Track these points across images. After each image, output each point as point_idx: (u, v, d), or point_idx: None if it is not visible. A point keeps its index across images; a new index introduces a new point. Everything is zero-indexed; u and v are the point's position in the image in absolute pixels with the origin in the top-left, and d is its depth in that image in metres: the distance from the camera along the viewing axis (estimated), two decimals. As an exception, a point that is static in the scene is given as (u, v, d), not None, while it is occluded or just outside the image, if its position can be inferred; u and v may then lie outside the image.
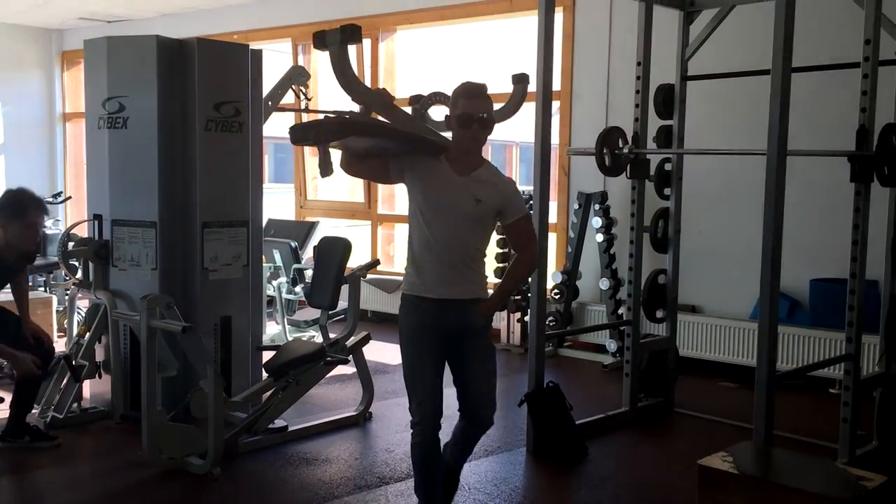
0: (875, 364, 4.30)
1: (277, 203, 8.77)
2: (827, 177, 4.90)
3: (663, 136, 4.68)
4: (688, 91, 4.65)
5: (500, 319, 6.53)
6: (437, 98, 3.18)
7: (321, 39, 2.86)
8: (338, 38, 2.81)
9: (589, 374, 5.73)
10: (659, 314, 4.78)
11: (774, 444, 3.36)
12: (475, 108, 2.84)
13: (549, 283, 5.95)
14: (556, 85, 5.78)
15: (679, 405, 4.81)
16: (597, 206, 6.00)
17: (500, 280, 5.07)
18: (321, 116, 6.28)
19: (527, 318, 6.14)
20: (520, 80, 3.55)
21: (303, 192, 8.32)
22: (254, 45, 4.65)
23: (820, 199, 5.15)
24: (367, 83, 7.65)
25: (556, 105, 5.85)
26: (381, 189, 7.74)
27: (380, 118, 2.98)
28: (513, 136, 16.76)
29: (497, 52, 7.20)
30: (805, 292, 5.37)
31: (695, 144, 4.86)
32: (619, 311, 5.86)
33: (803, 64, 3.84)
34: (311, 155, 8.11)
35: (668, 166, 4.69)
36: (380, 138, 2.87)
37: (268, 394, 4.10)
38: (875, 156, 3.58)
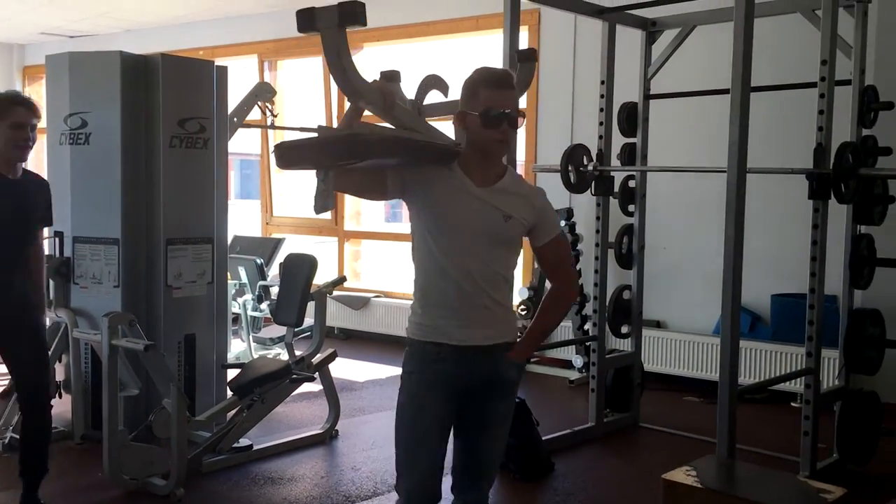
0: (835, 378, 4.37)
1: (243, 219, 8.71)
2: (787, 194, 5.01)
3: (627, 154, 4.75)
4: (651, 109, 4.72)
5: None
6: (433, 83, 2.59)
7: (309, 20, 2.11)
8: (335, 19, 2.08)
9: (555, 389, 5.76)
10: (624, 329, 4.82)
11: (737, 457, 3.40)
12: (503, 102, 2.24)
13: (516, 299, 5.97)
14: (522, 102, 5.82)
15: (645, 420, 4.85)
16: (562, 223, 6.05)
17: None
18: (292, 136, 6.22)
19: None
20: (526, 56, 3.08)
21: (269, 209, 8.28)
22: (220, 61, 4.64)
23: (780, 215, 5.25)
24: (334, 103, 7.66)
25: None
26: (349, 205, 7.73)
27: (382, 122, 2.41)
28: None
29: (463, 69, 7.22)
30: (766, 307, 5.45)
31: (658, 162, 4.93)
32: (585, 327, 5.90)
33: (762, 83, 3.92)
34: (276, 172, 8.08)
35: (632, 183, 4.75)
36: (394, 155, 2.28)
37: (232, 412, 4.06)
38: (832, 174, 3.66)
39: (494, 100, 2.23)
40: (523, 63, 3.03)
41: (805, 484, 2.91)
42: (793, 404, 5.14)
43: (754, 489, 2.81)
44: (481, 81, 2.27)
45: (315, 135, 2.27)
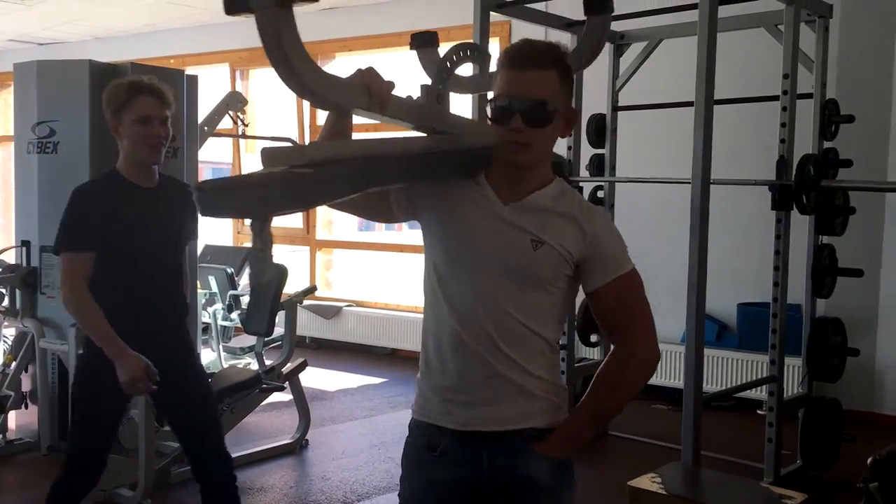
0: (798, 385, 4.45)
1: (215, 228, 8.67)
2: (751, 204, 5.09)
3: (596, 165, 4.81)
4: (619, 120, 4.79)
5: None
6: (466, 53, 1.76)
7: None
8: None
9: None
10: (593, 338, 4.87)
11: (703, 464, 3.46)
12: (518, 88, 1.60)
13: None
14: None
15: (613, 428, 4.89)
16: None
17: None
18: (263, 144, 6.20)
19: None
20: (601, 7, 2.28)
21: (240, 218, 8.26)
22: (191, 70, 4.63)
23: (746, 225, 5.34)
24: (306, 113, 7.66)
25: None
26: (321, 214, 7.73)
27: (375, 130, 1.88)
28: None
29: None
30: (733, 316, 5.53)
31: (626, 173, 5.00)
32: (556, 336, 5.94)
33: (726, 96, 3.99)
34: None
35: (600, 194, 4.81)
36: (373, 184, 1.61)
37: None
38: (794, 185, 3.73)
39: (507, 85, 1.62)
40: (592, 17, 2.15)
41: (768, 490, 2.97)
42: (758, 412, 5.20)
43: (718, 495, 2.85)
44: (503, 60, 1.65)
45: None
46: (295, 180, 1.42)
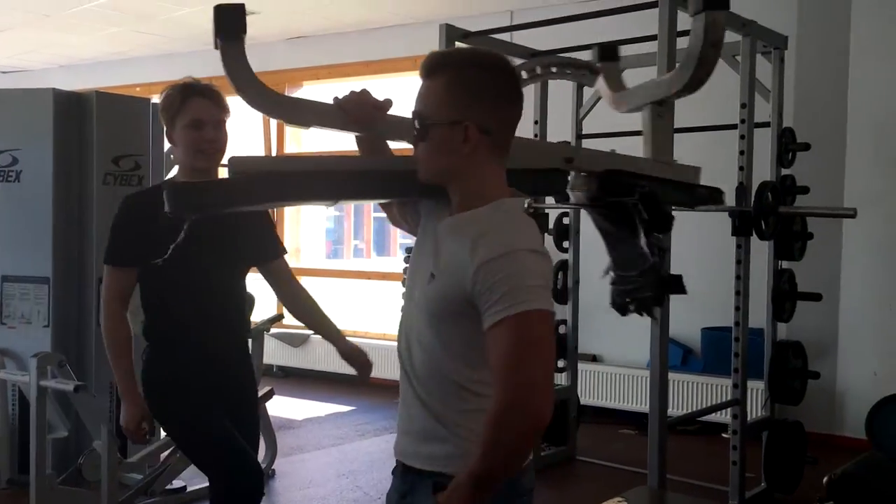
0: (761, 408, 4.51)
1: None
2: (713, 230, 5.17)
3: (561, 192, 4.87)
4: (583, 148, 4.86)
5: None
6: (555, 66, 1.72)
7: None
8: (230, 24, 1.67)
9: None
10: (560, 364, 4.90)
11: (669, 488, 3.49)
12: (417, 100, 1.54)
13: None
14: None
15: (581, 453, 4.91)
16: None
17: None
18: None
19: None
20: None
21: (207, 246, 8.20)
22: (157, 98, 4.62)
23: (708, 251, 5.42)
24: (273, 144, 7.67)
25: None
26: (288, 242, 7.70)
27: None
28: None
29: (404, 108, 7.34)
30: (697, 340, 5.60)
31: (591, 199, 5.06)
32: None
33: (686, 125, 4.08)
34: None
35: (566, 220, 4.87)
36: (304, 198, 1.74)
37: (166, 453, 3.99)
38: (752, 212, 3.82)
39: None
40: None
41: (731, 512, 3.00)
42: (723, 435, 5.26)
43: (683, 518, 2.88)
44: None
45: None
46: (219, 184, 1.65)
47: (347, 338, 2.59)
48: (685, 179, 1.87)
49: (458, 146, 1.46)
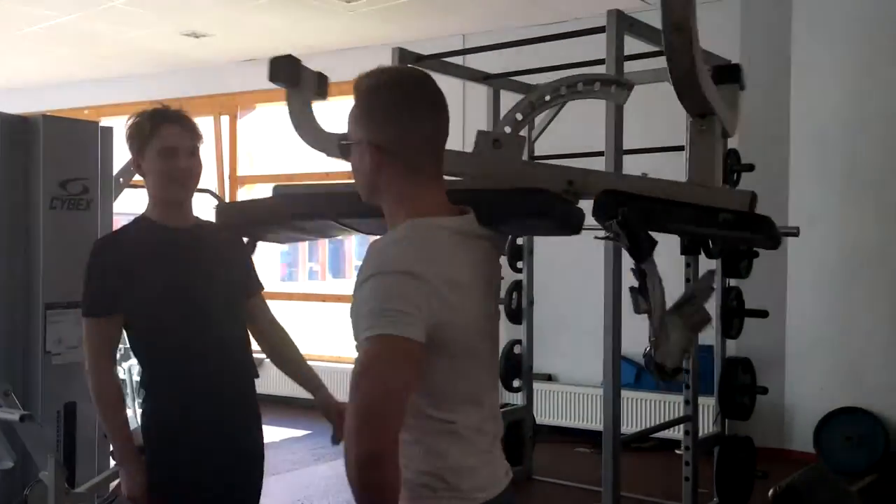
0: (712, 424, 4.58)
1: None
2: (662, 249, 5.27)
3: (514, 213, 4.91)
4: (535, 170, 4.92)
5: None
6: (581, 84, 1.64)
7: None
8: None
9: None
10: (515, 384, 4.92)
11: (623, 505, 3.52)
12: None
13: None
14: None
15: (537, 472, 4.93)
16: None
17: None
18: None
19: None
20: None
21: (158, 270, 8.09)
22: (106, 120, 4.58)
23: (659, 269, 5.51)
24: (225, 162, 7.62)
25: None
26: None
27: None
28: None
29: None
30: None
31: (544, 220, 5.12)
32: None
33: (634, 146, 4.16)
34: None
35: (520, 241, 4.92)
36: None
37: (115, 483, 3.90)
38: (701, 230, 3.89)
39: None
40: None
41: (684, 528, 3.03)
42: (677, 451, 5.32)
43: (637, 535, 2.91)
44: None
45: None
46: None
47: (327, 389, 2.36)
48: (726, 205, 1.62)
49: (366, 166, 1.49)
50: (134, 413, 5.60)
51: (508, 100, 4.81)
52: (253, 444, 2.29)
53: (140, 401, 5.60)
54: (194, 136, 2.26)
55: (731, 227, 1.56)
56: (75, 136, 4.24)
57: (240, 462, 2.24)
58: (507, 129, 1.90)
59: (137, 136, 2.23)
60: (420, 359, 1.32)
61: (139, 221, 2.27)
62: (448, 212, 1.50)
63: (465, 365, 1.44)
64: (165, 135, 2.20)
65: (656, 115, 5.37)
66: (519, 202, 1.62)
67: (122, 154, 4.87)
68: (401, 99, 1.47)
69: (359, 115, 1.49)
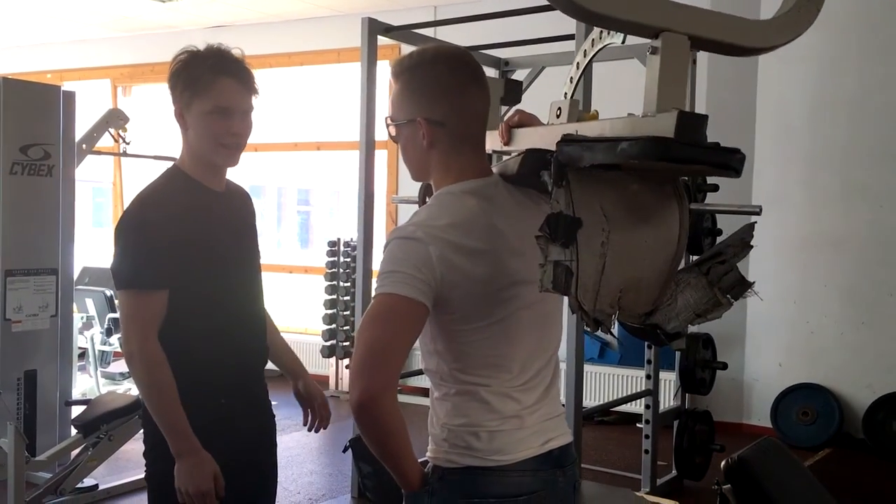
0: (673, 398, 4.66)
1: (99, 249, 8.35)
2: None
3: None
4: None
5: (328, 365, 6.52)
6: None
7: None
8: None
9: (416, 418, 5.80)
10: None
11: (585, 477, 3.57)
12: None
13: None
14: (382, 135, 5.93)
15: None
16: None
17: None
18: (146, 163, 6.01)
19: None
20: None
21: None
22: (70, 85, 4.49)
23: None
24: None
25: (384, 154, 6.02)
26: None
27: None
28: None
29: (327, 97, 7.31)
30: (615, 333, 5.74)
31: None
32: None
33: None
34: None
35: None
36: None
37: (77, 451, 3.88)
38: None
39: None
40: None
41: (641, 499, 3.10)
42: (638, 425, 5.42)
43: (595, 506, 2.96)
44: None
45: None
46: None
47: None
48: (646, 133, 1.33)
49: (419, 142, 1.53)
50: (97, 381, 5.55)
51: (479, 73, 4.80)
52: (270, 419, 2.12)
53: (91, 367, 5.55)
54: (251, 95, 1.94)
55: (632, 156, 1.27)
56: (37, 100, 4.17)
57: (262, 437, 2.07)
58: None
59: (190, 86, 1.89)
60: (419, 316, 1.42)
61: (177, 178, 1.95)
62: (486, 176, 1.55)
63: (486, 331, 1.48)
64: (222, 91, 1.88)
65: (624, 91, 5.41)
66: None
67: (85, 119, 4.79)
68: (447, 74, 1.52)
69: (407, 95, 1.54)
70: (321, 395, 2.15)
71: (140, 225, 1.87)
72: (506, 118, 1.75)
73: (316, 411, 2.14)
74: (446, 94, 1.52)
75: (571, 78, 1.79)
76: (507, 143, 1.71)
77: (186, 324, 1.88)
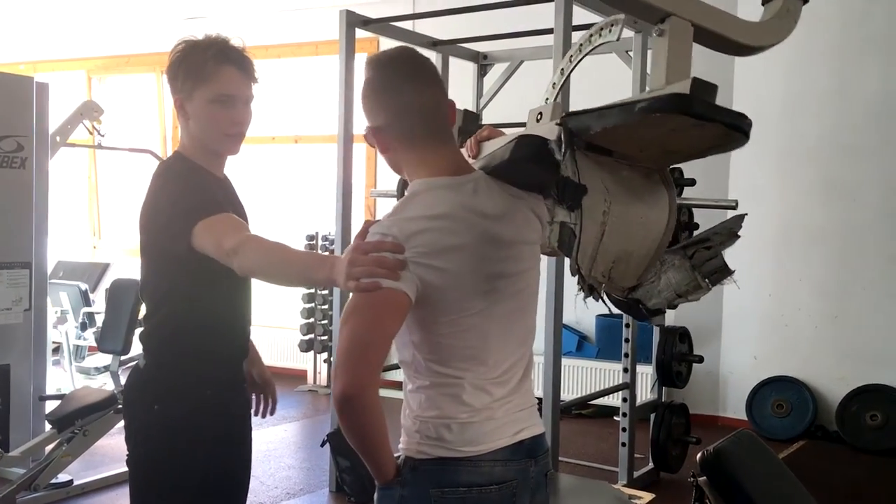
0: (649, 391, 4.69)
1: (73, 243, 8.25)
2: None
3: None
4: (482, 138, 4.92)
5: (306, 360, 6.50)
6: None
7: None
8: None
9: (396, 412, 5.81)
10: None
11: (562, 470, 3.59)
12: None
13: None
14: (360, 128, 5.90)
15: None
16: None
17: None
18: (121, 155, 5.95)
19: (332, 359, 6.15)
20: None
21: (96, 232, 7.89)
22: (43, 76, 4.43)
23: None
24: (167, 121, 7.44)
25: (363, 148, 6.00)
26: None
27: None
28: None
29: (305, 90, 7.26)
30: (592, 327, 5.78)
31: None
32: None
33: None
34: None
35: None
36: None
37: (51, 446, 3.84)
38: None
39: None
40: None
41: (618, 492, 3.12)
42: (615, 418, 5.45)
43: (571, 499, 2.98)
44: None
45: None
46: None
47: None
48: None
49: (380, 148, 1.60)
50: (71, 375, 5.50)
51: (456, 67, 4.79)
52: (247, 402, 2.13)
53: (66, 361, 5.49)
54: (252, 80, 1.95)
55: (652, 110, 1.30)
56: (9, 91, 4.11)
57: (245, 418, 2.08)
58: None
59: (192, 75, 1.88)
60: (401, 306, 1.42)
61: (185, 161, 1.94)
62: (455, 173, 1.55)
63: (462, 324, 1.49)
64: (224, 79, 1.88)
65: (606, 85, 5.43)
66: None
67: (58, 111, 4.73)
68: (380, 79, 1.56)
69: (363, 107, 1.61)
70: (273, 385, 2.20)
71: (187, 174, 1.89)
72: (475, 134, 1.79)
73: (267, 400, 2.18)
74: (380, 99, 1.56)
75: (554, 84, 1.77)
76: (475, 157, 1.74)
77: (204, 288, 1.89)
